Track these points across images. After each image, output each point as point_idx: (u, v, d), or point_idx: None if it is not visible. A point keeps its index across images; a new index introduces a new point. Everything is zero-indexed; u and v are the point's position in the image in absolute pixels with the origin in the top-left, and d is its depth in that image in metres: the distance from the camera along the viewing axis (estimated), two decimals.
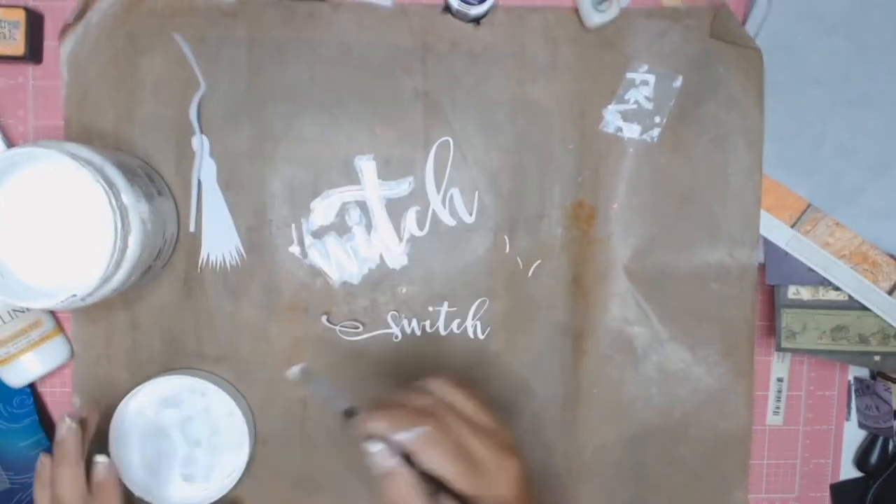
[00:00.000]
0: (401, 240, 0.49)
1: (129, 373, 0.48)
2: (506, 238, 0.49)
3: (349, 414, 0.37)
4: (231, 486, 0.47)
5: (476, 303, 0.49)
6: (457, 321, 0.50)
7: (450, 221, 0.49)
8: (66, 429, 0.41)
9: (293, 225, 0.49)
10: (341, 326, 0.49)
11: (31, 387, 0.49)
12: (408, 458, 0.33)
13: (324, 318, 0.49)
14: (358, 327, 0.49)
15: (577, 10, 0.48)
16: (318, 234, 0.49)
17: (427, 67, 0.48)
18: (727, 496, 0.51)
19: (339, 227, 0.49)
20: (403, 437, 0.33)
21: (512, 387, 0.50)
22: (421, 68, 0.48)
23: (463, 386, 0.37)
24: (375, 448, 0.33)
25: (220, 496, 0.47)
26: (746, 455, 0.51)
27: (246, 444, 0.47)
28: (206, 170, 0.48)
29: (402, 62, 0.48)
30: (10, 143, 0.48)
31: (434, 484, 0.33)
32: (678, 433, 0.51)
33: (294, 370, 0.39)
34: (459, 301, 0.49)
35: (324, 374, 0.44)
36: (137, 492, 0.47)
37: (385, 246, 0.49)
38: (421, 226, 0.49)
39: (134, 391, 0.46)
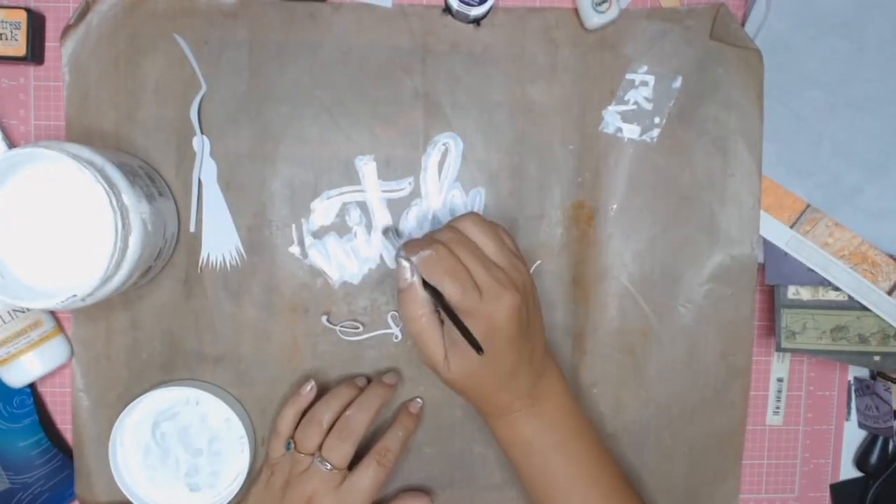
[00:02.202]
0: (401, 240, 0.49)
1: (130, 372, 0.48)
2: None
3: (388, 235, 0.45)
4: (238, 489, 0.47)
5: None
6: None
7: None
8: (393, 381, 0.48)
9: (293, 225, 0.49)
10: (341, 326, 0.49)
11: (31, 387, 0.49)
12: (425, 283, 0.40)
13: (324, 319, 0.49)
14: (358, 327, 0.49)
15: (576, 12, 0.48)
16: (318, 234, 0.49)
17: (427, 68, 0.48)
18: (720, 485, 0.51)
19: (340, 228, 0.49)
20: (414, 258, 0.39)
21: None
22: (421, 69, 0.48)
23: (487, 227, 0.41)
24: (405, 263, 0.40)
25: (228, 501, 0.47)
26: (740, 446, 0.51)
27: (246, 446, 0.47)
28: (206, 170, 0.48)
29: (403, 63, 0.48)
30: (12, 144, 0.48)
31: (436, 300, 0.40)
32: (676, 431, 0.51)
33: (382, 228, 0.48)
34: None
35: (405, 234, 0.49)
36: None
37: (385, 246, 0.49)
38: (421, 226, 0.49)
39: (127, 409, 0.46)
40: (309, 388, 0.47)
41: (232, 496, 0.47)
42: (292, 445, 0.45)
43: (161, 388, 0.47)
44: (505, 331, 0.40)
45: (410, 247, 0.40)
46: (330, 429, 0.45)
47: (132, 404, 0.46)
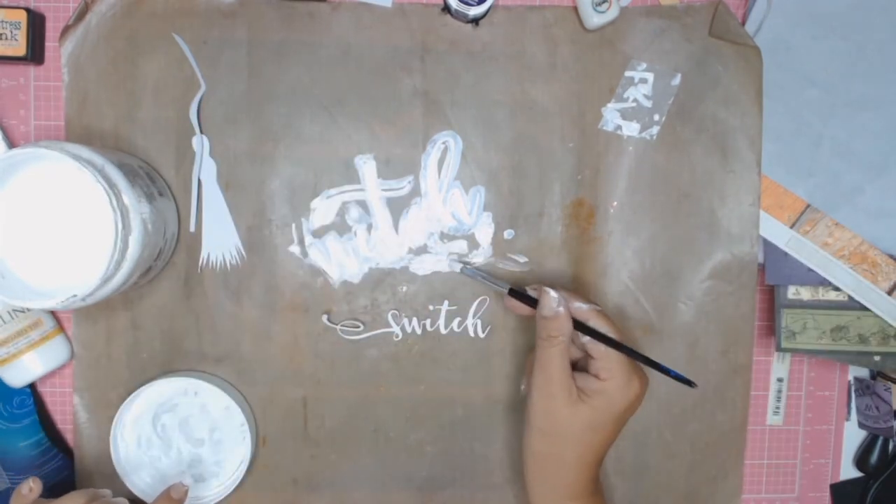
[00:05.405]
0: (401, 239, 0.49)
1: (130, 373, 0.48)
2: (505, 236, 0.49)
3: (513, 292, 0.44)
4: (241, 477, 0.47)
5: (476, 301, 0.50)
6: (457, 320, 0.50)
7: (450, 220, 0.49)
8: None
9: (293, 224, 0.49)
10: (342, 326, 0.49)
11: (32, 387, 0.49)
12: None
13: (324, 318, 0.49)
14: (358, 326, 0.49)
15: (576, 9, 0.48)
16: (318, 233, 0.49)
17: (426, 67, 0.48)
18: (722, 484, 0.51)
19: (340, 227, 0.49)
20: (581, 305, 0.42)
21: (512, 385, 0.50)
22: (420, 68, 0.48)
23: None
24: (554, 294, 0.41)
25: (232, 489, 0.48)
26: (742, 443, 0.51)
27: (248, 433, 0.47)
28: (206, 170, 0.48)
29: (402, 62, 0.48)
30: (12, 144, 0.48)
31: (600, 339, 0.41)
32: (677, 429, 0.51)
33: (455, 267, 0.49)
34: (460, 299, 0.49)
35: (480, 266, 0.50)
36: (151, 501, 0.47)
37: (385, 245, 0.49)
38: (420, 225, 0.49)
39: (126, 403, 0.46)
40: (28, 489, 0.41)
41: (236, 485, 0.48)
42: None
43: (159, 381, 0.47)
44: (621, 407, 0.41)
45: (564, 292, 0.42)
46: None
47: (130, 398, 0.46)
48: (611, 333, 0.41)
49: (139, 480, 0.47)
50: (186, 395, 0.47)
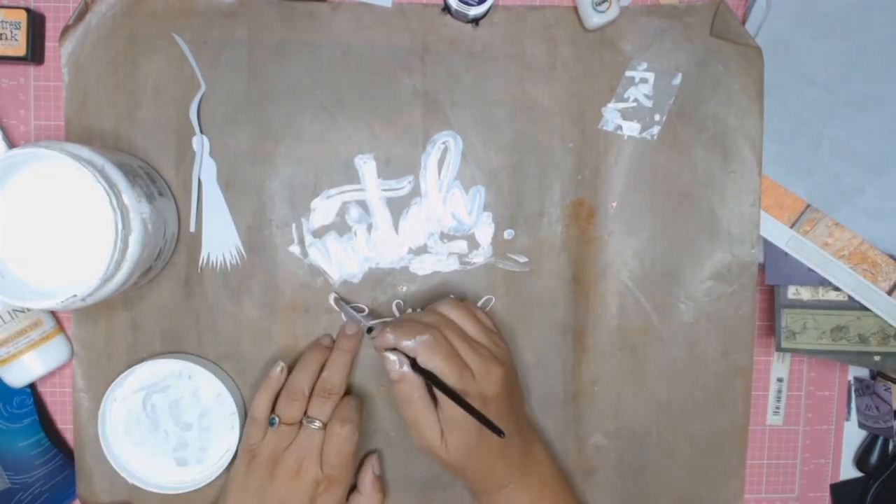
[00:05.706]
0: (401, 239, 0.49)
1: None
2: (505, 236, 0.49)
3: (370, 330, 0.46)
4: (224, 466, 0.47)
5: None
6: None
7: (450, 220, 0.49)
8: (355, 330, 0.48)
9: (293, 224, 0.49)
10: (351, 306, 0.49)
11: (32, 387, 0.49)
12: (415, 366, 0.41)
13: (325, 318, 0.49)
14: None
15: (576, 9, 0.48)
16: (318, 233, 0.49)
17: (426, 67, 0.48)
18: (723, 486, 0.51)
19: (340, 227, 0.49)
20: (408, 343, 0.41)
21: None
22: (420, 68, 0.48)
23: (465, 308, 0.45)
24: (392, 357, 0.41)
25: (214, 477, 0.47)
26: (743, 447, 0.51)
27: (237, 423, 0.47)
28: (206, 170, 0.48)
29: (402, 62, 0.48)
30: (12, 144, 0.48)
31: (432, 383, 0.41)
32: (678, 429, 0.51)
33: (330, 299, 0.48)
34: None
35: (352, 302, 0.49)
36: (132, 480, 0.46)
37: (385, 245, 0.49)
38: (420, 225, 0.49)
39: (119, 379, 0.46)
40: (280, 370, 0.47)
41: (218, 473, 0.47)
42: (277, 420, 0.45)
43: (154, 360, 0.47)
44: (495, 402, 0.42)
45: (399, 331, 0.41)
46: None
47: (123, 374, 0.46)
48: (438, 366, 0.40)
49: (122, 458, 0.47)
50: (180, 378, 0.47)
